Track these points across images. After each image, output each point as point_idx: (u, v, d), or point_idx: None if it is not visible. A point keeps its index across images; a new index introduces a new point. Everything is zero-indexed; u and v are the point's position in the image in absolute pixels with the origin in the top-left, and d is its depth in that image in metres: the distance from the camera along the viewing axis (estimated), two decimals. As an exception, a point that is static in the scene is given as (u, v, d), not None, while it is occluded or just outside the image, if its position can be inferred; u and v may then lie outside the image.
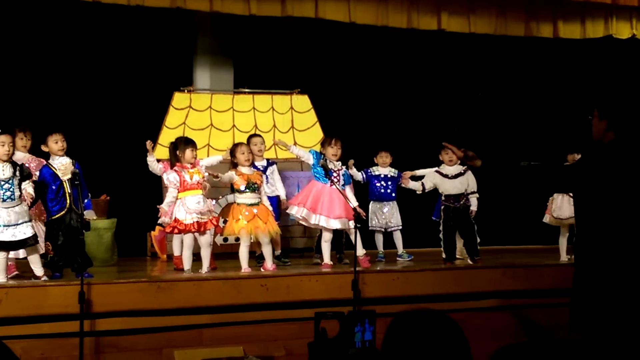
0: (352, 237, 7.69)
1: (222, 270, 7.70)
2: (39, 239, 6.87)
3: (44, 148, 7.23)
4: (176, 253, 8.20)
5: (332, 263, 7.94)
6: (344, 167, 8.22)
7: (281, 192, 8.69)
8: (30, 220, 6.75)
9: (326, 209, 7.82)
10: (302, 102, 10.50)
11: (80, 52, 10.14)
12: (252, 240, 7.67)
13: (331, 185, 7.87)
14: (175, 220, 7.36)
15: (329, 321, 6.22)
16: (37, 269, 6.73)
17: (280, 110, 10.39)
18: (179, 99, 10.00)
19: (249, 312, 6.95)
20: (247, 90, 10.39)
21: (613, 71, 12.03)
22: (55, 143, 7.17)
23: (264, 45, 11.05)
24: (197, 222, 7.34)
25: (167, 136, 9.78)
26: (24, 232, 6.62)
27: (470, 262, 8.35)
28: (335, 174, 7.98)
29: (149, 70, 10.42)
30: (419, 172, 8.88)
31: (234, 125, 10.13)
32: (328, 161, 8.01)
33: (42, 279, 6.71)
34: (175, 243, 8.25)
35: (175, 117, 9.90)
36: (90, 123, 9.66)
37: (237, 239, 7.78)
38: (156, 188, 9.67)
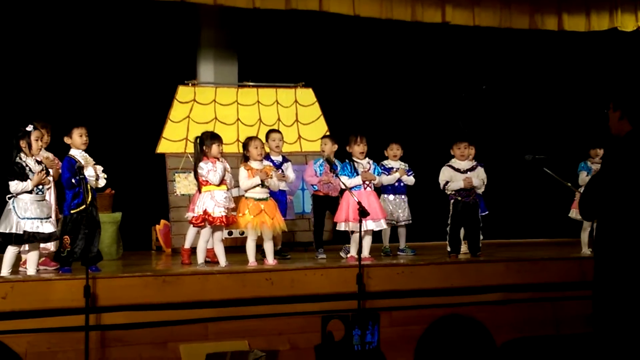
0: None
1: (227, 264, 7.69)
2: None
3: (67, 140, 7.20)
4: (186, 246, 8.15)
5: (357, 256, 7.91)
6: (372, 164, 8.21)
7: (287, 188, 8.69)
8: (51, 217, 6.82)
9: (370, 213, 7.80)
10: (307, 95, 10.49)
11: (85, 45, 10.14)
12: (258, 235, 7.65)
13: (365, 189, 7.92)
14: (205, 212, 7.36)
15: (334, 321, 6.21)
16: (32, 268, 6.74)
17: (284, 104, 10.39)
18: (183, 92, 10.00)
19: (254, 306, 6.94)
20: (251, 83, 10.39)
21: (618, 64, 12.01)
22: (80, 137, 7.17)
23: (268, 39, 11.04)
24: (225, 216, 7.36)
25: (171, 130, 9.80)
26: (50, 227, 6.68)
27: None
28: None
29: (153, 64, 10.42)
30: None
31: (238, 119, 10.13)
32: (351, 160, 8.07)
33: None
34: (189, 234, 8.15)
35: (179, 111, 9.91)
36: (95, 116, 9.64)
37: (242, 233, 7.78)
38: (161, 182, 9.71)
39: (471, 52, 11.78)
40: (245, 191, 7.58)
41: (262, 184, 7.54)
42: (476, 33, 10.72)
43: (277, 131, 8.86)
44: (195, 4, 9.20)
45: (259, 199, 7.51)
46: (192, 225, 7.74)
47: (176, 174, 9.60)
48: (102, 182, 7.25)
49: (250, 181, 7.50)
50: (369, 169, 8.09)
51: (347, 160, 8.15)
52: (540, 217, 11.31)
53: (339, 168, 8.14)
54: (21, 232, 6.53)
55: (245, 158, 7.68)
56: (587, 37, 11.00)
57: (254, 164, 7.61)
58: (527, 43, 11.70)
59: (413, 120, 11.49)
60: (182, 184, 9.53)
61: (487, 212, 8.85)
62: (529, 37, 11.21)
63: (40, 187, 6.68)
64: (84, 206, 7.04)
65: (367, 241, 7.88)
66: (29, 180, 6.57)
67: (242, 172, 7.56)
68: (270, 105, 10.35)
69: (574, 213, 8.93)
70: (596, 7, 10.45)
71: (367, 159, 8.17)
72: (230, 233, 8.98)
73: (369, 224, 7.81)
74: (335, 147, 8.61)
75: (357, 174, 7.98)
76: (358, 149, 8.11)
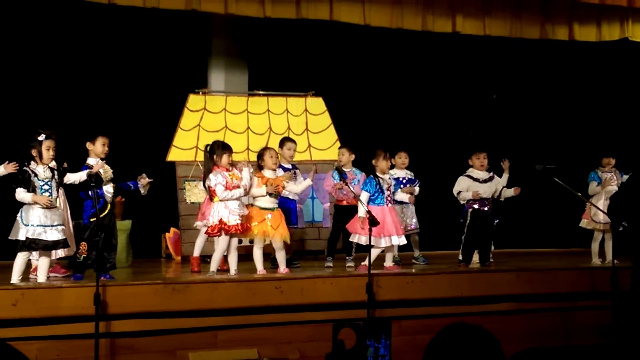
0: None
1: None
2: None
3: (89, 146, 7.30)
4: (196, 254, 8.22)
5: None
6: (392, 179, 8.20)
7: (297, 197, 8.69)
8: (62, 224, 6.86)
9: (393, 229, 7.84)
10: (317, 104, 10.50)
11: (96, 54, 10.17)
12: (266, 242, 7.68)
13: (387, 205, 7.93)
14: (220, 221, 7.36)
15: (344, 330, 6.18)
16: (42, 275, 6.77)
17: (294, 113, 10.39)
18: (194, 100, 10.02)
19: (264, 314, 6.94)
20: (261, 92, 10.40)
21: (629, 73, 11.99)
22: (103, 145, 7.28)
23: (279, 48, 11.06)
24: (241, 223, 7.37)
25: (181, 138, 9.83)
26: (56, 234, 6.70)
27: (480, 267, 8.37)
28: (387, 189, 8.01)
29: (163, 72, 10.44)
30: None
31: (248, 128, 10.14)
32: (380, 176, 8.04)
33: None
34: (199, 242, 8.23)
35: (190, 119, 9.93)
36: (106, 124, 9.67)
37: (251, 241, 7.81)
38: (171, 190, 9.72)
39: (481, 61, 11.77)
40: (254, 198, 7.60)
41: (270, 194, 7.57)
42: (487, 43, 10.71)
43: (293, 140, 8.87)
44: (207, 13, 9.22)
45: (264, 208, 7.55)
46: (208, 235, 7.73)
47: (186, 182, 9.62)
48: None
49: (258, 190, 7.53)
50: (390, 185, 8.07)
51: (371, 176, 8.08)
52: (551, 227, 11.26)
53: (348, 177, 8.16)
54: (24, 239, 6.57)
55: (259, 167, 7.72)
56: (598, 47, 10.97)
57: (267, 173, 7.66)
58: (538, 53, 11.67)
59: (423, 130, 11.48)
60: (192, 192, 9.54)
61: (497, 221, 8.83)
62: (539, 46, 11.18)
63: (49, 194, 6.70)
64: (103, 214, 7.11)
65: (390, 254, 8.04)
66: (31, 194, 6.59)
67: (254, 180, 7.60)
68: (281, 114, 10.36)
69: (585, 223, 8.90)
70: (607, 17, 10.42)
71: (388, 175, 8.16)
72: (240, 241, 8.98)
73: (393, 240, 7.86)
74: (353, 157, 8.64)
75: (382, 192, 7.93)
76: (386, 164, 8.09)
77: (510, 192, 8.70)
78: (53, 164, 7.39)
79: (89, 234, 7.06)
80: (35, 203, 6.60)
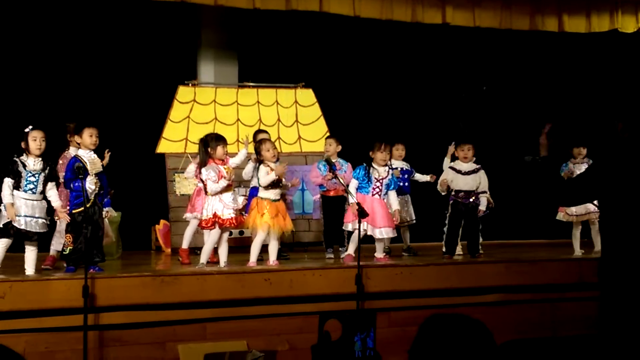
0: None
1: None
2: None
3: (77, 139, 7.27)
4: (184, 246, 8.23)
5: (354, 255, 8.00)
6: (389, 173, 8.13)
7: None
8: (45, 219, 6.84)
9: (370, 219, 7.73)
10: (307, 96, 10.49)
11: (85, 45, 10.14)
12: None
13: (372, 195, 7.89)
14: (215, 215, 7.35)
15: (330, 321, 6.20)
16: (30, 267, 6.76)
17: (284, 104, 10.39)
18: (184, 92, 10.00)
19: (253, 306, 6.94)
20: (251, 84, 10.39)
21: (618, 65, 12.01)
22: (90, 136, 7.21)
23: (269, 39, 11.04)
24: (235, 217, 7.37)
25: (171, 130, 9.81)
26: (37, 226, 6.70)
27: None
28: (378, 180, 7.94)
29: (153, 64, 10.42)
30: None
31: (238, 119, 10.13)
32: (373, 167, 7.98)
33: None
34: (187, 234, 8.25)
35: (179, 111, 9.91)
36: (95, 116, 9.65)
37: (242, 232, 7.80)
38: (161, 182, 9.71)
39: (471, 53, 11.77)
40: (265, 188, 7.57)
41: (279, 185, 7.57)
42: (477, 34, 10.72)
43: (265, 131, 8.88)
44: (196, 4, 9.20)
45: (275, 200, 7.55)
46: (201, 228, 7.72)
47: (176, 174, 9.60)
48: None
49: (269, 176, 7.51)
50: (384, 178, 8.01)
51: (364, 164, 8.05)
52: (540, 218, 11.28)
53: (337, 168, 8.16)
54: (1, 226, 6.58)
55: (259, 161, 7.69)
56: (588, 39, 10.99)
57: (273, 165, 7.69)
58: (528, 44, 11.68)
59: (413, 121, 11.48)
60: (182, 184, 9.54)
61: (487, 212, 8.84)
62: (529, 38, 11.19)
63: (33, 187, 6.69)
64: (85, 207, 7.05)
65: (380, 245, 8.01)
66: (8, 200, 6.58)
67: (262, 169, 7.59)
68: (270, 105, 10.35)
69: (561, 215, 8.91)
70: (597, 9, 10.44)
71: (386, 167, 8.09)
72: (241, 232, 9.01)
73: (368, 229, 7.78)
74: (339, 148, 8.63)
75: (370, 181, 7.92)
76: (381, 156, 8.00)
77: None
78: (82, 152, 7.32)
79: (73, 227, 7.04)
80: (29, 185, 6.62)
